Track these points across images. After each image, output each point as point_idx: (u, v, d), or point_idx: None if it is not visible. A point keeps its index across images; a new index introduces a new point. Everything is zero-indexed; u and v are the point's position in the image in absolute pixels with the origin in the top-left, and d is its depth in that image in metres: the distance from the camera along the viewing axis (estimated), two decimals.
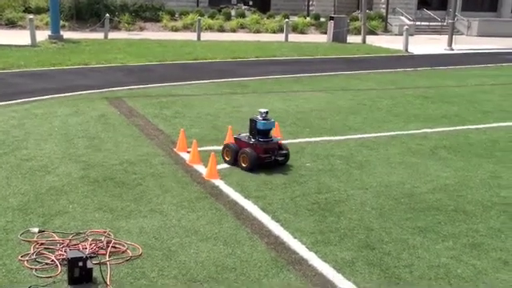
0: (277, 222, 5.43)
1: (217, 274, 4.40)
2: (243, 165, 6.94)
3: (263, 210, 5.72)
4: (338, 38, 26.11)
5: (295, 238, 5.09)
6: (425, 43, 26.80)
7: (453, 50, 24.29)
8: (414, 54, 22.60)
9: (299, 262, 4.65)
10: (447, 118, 10.64)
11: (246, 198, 6.04)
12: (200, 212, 5.62)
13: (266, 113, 7.11)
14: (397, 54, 22.49)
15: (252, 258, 4.69)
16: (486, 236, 5.27)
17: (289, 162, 7.22)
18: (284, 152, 7.17)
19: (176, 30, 28.60)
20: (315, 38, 27.97)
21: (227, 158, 7.19)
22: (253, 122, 7.13)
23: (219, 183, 6.47)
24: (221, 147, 7.88)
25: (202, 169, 6.91)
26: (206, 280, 4.32)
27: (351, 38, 26.83)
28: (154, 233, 5.10)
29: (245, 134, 7.33)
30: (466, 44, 26.19)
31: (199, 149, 7.31)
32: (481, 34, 32.39)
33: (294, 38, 26.52)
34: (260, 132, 7.07)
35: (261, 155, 6.94)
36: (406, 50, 23.22)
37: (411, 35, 25.59)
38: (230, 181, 6.55)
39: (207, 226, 5.28)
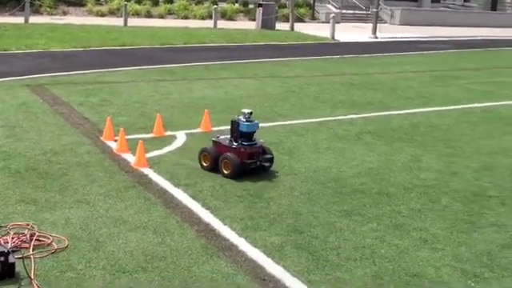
0: (207, 209, 5.45)
1: (146, 264, 4.36)
2: (225, 172, 6.26)
3: (193, 197, 5.71)
4: (267, 24, 26.27)
5: (225, 224, 5.12)
6: (350, 31, 27.46)
7: (377, 38, 25.04)
8: (341, 42, 23.11)
9: (229, 249, 4.68)
10: (372, 104, 11.00)
11: (175, 186, 6.01)
12: (128, 201, 5.54)
13: (250, 114, 6.48)
14: (324, 42, 22.92)
15: (182, 246, 4.68)
16: (407, 217, 5.53)
17: None
18: (269, 156, 6.57)
19: (102, 15, 27.74)
20: (244, 24, 27.99)
21: (205, 164, 6.48)
22: (235, 123, 6.46)
23: (148, 172, 6.38)
24: (150, 135, 7.80)
25: (130, 157, 6.79)
26: (136, 270, 4.27)
27: (280, 25, 27.06)
28: (80, 224, 4.98)
29: (224, 137, 6.63)
30: (389, 32, 27.07)
31: (127, 137, 7.17)
32: (403, 23, 33.56)
33: (222, 24, 26.42)
34: (243, 135, 6.43)
35: (245, 161, 6.29)
36: (333, 37, 23.70)
37: (338, 23, 26.13)
38: (159, 169, 6.48)
39: (136, 216, 5.21)
